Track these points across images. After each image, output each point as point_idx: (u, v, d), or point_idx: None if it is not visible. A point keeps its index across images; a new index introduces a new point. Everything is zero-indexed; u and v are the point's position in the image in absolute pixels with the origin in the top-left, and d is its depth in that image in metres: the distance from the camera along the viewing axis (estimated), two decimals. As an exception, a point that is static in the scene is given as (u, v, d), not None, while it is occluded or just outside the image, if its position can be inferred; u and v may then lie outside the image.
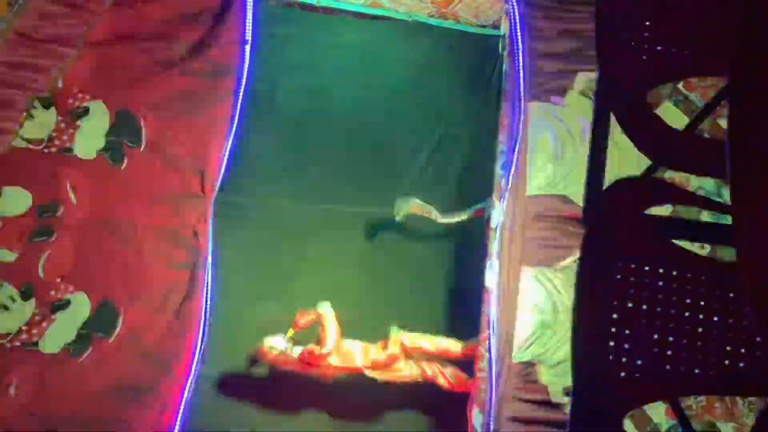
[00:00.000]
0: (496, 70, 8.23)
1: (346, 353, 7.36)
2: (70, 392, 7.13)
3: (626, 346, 3.24)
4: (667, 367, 3.23)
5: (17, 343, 6.97)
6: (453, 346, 7.43)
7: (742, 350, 3.23)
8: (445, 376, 7.36)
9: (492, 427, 6.55)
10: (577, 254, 4.24)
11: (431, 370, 7.37)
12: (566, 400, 6.68)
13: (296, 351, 7.36)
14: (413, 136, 8.43)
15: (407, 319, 7.65)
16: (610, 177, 3.76)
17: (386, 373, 7.40)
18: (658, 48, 3.83)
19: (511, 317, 6.95)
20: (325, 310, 7.32)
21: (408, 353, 7.42)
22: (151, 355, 7.44)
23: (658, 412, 6.25)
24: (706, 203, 5.03)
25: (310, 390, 7.59)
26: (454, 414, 7.19)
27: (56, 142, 7.27)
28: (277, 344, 7.33)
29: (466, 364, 7.32)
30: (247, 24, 7.94)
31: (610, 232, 3.48)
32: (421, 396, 7.62)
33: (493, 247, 6.98)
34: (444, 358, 7.49)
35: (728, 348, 3.24)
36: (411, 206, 7.72)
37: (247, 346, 7.71)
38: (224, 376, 7.82)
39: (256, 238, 8.12)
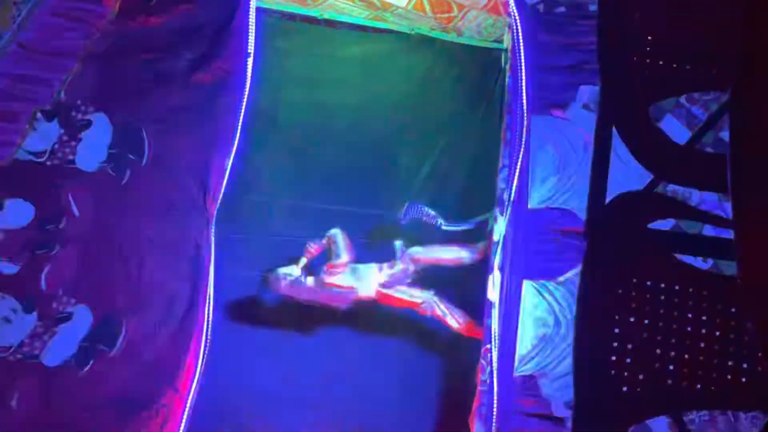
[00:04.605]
0: (498, 84, 8.22)
1: (361, 273, 7.57)
2: (72, 405, 7.10)
3: (628, 360, 3.23)
4: (669, 381, 3.22)
5: (19, 356, 6.97)
6: (465, 257, 7.57)
7: (744, 365, 3.22)
8: (455, 317, 7.42)
9: (494, 440, 6.56)
10: (579, 268, 4.24)
11: (441, 309, 7.42)
12: (568, 413, 6.67)
13: (309, 280, 7.57)
14: (415, 149, 8.43)
15: (410, 329, 7.82)
16: (612, 191, 3.76)
17: (398, 292, 7.53)
18: (660, 62, 3.83)
19: (513, 330, 6.95)
20: (335, 233, 7.54)
21: (424, 263, 7.60)
22: (153, 368, 7.41)
23: (660, 426, 6.24)
24: (708, 217, 5.02)
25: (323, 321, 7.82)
26: (464, 356, 7.31)
27: (59, 155, 7.28)
28: (291, 272, 7.53)
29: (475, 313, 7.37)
30: (250, 37, 7.94)
31: (612, 246, 3.48)
32: (431, 335, 7.78)
33: (495, 260, 6.97)
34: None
35: (730, 362, 3.23)
36: (418, 211, 7.80)
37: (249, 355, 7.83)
38: (235, 303, 8.01)
39: (258, 251, 8.12)
